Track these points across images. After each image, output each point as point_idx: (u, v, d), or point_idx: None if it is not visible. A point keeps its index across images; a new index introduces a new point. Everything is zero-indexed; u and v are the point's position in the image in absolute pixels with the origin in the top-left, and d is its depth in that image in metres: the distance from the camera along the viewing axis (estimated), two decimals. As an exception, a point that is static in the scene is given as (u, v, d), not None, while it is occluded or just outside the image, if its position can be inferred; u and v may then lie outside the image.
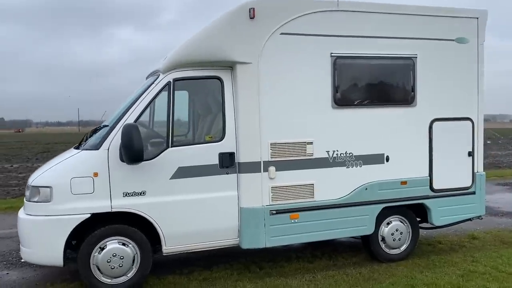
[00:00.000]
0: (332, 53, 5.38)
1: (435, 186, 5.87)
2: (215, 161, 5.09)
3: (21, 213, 4.93)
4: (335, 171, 5.46)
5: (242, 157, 5.13)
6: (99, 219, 4.85)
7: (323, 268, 5.72)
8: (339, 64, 5.41)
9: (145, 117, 5.77)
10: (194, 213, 5.04)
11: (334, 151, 5.46)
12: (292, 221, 5.29)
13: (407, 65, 5.71)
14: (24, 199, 4.96)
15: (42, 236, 4.71)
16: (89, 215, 4.73)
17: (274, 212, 5.22)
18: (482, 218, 6.30)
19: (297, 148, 5.31)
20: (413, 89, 5.74)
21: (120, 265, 4.85)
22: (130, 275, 4.92)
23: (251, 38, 5.07)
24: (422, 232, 7.17)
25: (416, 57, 5.72)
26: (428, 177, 5.85)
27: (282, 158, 5.25)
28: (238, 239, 5.23)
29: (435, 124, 5.84)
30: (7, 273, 5.70)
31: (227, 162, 5.12)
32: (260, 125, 5.15)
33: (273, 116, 5.20)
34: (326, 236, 5.53)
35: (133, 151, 4.58)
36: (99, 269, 4.82)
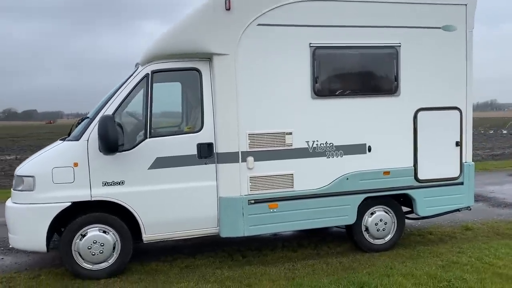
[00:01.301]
0: (311, 43, 5.36)
1: (420, 176, 5.80)
2: (194, 151, 5.18)
3: (8, 202, 5.16)
4: (315, 161, 5.47)
5: (220, 148, 5.20)
6: (82, 207, 5.03)
7: (305, 257, 5.76)
8: (319, 54, 5.39)
9: (138, 108, 5.92)
10: (173, 202, 5.16)
11: (314, 142, 5.46)
12: (271, 210, 5.35)
13: (390, 54, 5.63)
14: (12, 189, 5.19)
15: (26, 223, 4.93)
16: (69, 203, 4.92)
17: (253, 201, 5.28)
18: (470, 209, 6.18)
19: (276, 139, 5.34)
20: (396, 79, 5.66)
21: (101, 251, 5.03)
22: (111, 261, 5.10)
23: (228, 29, 5.10)
24: (415, 223, 7.14)
25: (400, 46, 5.64)
26: (413, 167, 5.78)
27: (260, 148, 5.29)
28: (218, 227, 5.33)
29: (420, 113, 5.76)
30: (2, 258, 5.98)
31: (206, 152, 5.20)
32: (238, 116, 5.20)
33: (251, 107, 5.23)
34: (306, 226, 5.57)
35: (109, 142, 4.72)
36: (80, 255, 5.02)
